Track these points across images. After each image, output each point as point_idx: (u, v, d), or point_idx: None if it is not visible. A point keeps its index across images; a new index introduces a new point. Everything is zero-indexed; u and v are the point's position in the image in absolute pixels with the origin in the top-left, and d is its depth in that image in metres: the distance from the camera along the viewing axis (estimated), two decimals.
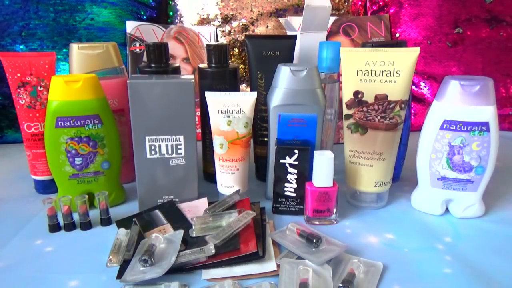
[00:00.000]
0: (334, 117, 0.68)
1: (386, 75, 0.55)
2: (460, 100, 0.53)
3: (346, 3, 1.04)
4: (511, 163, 0.76)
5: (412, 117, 0.98)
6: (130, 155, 0.62)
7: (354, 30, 0.95)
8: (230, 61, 0.69)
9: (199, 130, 0.65)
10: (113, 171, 0.60)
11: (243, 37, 1.02)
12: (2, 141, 0.93)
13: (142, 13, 1.00)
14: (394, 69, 0.54)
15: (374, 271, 0.44)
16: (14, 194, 0.66)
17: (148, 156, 0.56)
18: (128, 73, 0.89)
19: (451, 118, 0.53)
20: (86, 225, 0.54)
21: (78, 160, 0.57)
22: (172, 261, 0.43)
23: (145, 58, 0.78)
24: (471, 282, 0.43)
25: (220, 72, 0.64)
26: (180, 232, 0.49)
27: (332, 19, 0.94)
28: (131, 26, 0.92)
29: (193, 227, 0.50)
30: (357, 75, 0.56)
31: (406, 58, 0.54)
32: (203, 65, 0.65)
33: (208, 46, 0.64)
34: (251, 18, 1.02)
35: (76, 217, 0.54)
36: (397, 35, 1.01)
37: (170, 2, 1.03)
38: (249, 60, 0.66)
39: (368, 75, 0.55)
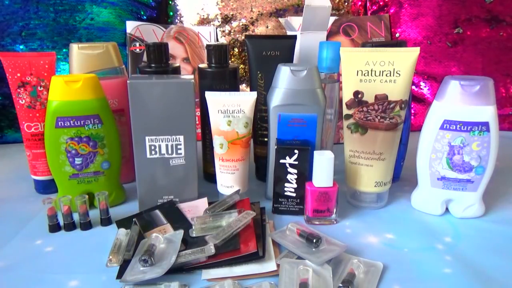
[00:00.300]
0: (334, 117, 0.68)
1: (386, 75, 0.55)
2: (460, 100, 0.53)
3: (346, 3, 1.04)
4: (511, 163, 0.76)
5: (412, 117, 0.98)
6: (130, 155, 0.62)
7: (354, 30, 0.95)
8: (230, 61, 0.69)
9: (199, 130, 0.65)
10: (113, 171, 0.60)
11: (243, 37, 1.02)
12: (2, 141, 0.93)
13: (142, 13, 1.00)
14: (394, 69, 0.54)
15: (374, 271, 0.44)
16: (14, 194, 0.66)
17: (148, 156, 0.56)
18: (128, 73, 0.89)
19: (451, 118, 0.53)
20: (86, 225, 0.54)
21: (78, 160, 0.57)
22: (172, 261, 0.43)
23: (145, 58, 0.78)
24: (471, 282, 0.43)
25: (220, 72, 0.64)
26: (180, 232, 0.49)
27: (332, 19, 0.94)
28: (131, 26, 0.92)
29: (193, 227, 0.50)
30: (357, 75, 0.56)
31: (406, 58, 0.54)
32: (203, 65, 0.65)
33: (208, 46, 0.64)
34: (251, 18, 1.02)
35: (76, 217, 0.54)
36: (397, 35, 1.01)
37: (170, 2, 1.03)
38: (249, 60, 0.66)
39: (368, 75, 0.55)
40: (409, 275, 0.44)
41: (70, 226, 0.54)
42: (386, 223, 0.56)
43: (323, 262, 0.44)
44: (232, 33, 1.03)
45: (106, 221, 0.55)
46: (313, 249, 0.46)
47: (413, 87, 1.01)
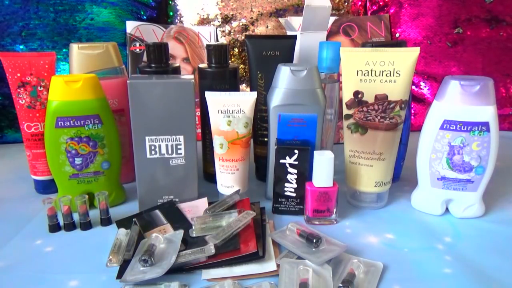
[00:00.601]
0: (334, 117, 0.68)
1: (386, 75, 0.55)
2: (460, 100, 0.53)
3: (346, 3, 1.04)
4: (511, 163, 0.76)
5: (412, 117, 0.98)
6: (130, 155, 0.62)
7: (354, 30, 0.95)
8: (230, 61, 0.69)
9: (199, 130, 0.65)
10: (113, 171, 0.60)
11: (243, 37, 1.02)
12: (2, 141, 0.93)
13: (142, 13, 1.00)
14: (394, 69, 0.54)
15: (374, 271, 0.44)
16: (14, 194, 0.66)
17: (148, 156, 0.56)
18: (128, 73, 0.89)
19: (451, 118, 0.53)
20: (86, 225, 0.54)
21: (78, 160, 0.57)
22: (172, 261, 0.43)
23: (145, 58, 0.78)
24: (471, 282, 0.43)
25: (220, 72, 0.64)
26: (180, 232, 0.49)
27: (332, 19, 0.94)
28: (131, 26, 0.92)
29: (193, 227, 0.50)
30: (357, 75, 0.56)
31: (406, 58, 0.54)
32: (203, 65, 0.65)
33: (208, 46, 0.64)
34: (251, 18, 1.02)
35: (76, 217, 0.54)
36: (397, 35, 1.01)
37: (170, 2, 1.03)
38: (249, 60, 0.66)
39: (368, 75, 0.55)
40: (409, 275, 0.44)
41: (70, 226, 0.54)
42: (386, 223, 0.56)
43: (323, 262, 0.44)
44: (232, 33, 1.03)
45: (106, 221, 0.55)
46: (313, 249, 0.46)
47: (413, 87, 1.01)
